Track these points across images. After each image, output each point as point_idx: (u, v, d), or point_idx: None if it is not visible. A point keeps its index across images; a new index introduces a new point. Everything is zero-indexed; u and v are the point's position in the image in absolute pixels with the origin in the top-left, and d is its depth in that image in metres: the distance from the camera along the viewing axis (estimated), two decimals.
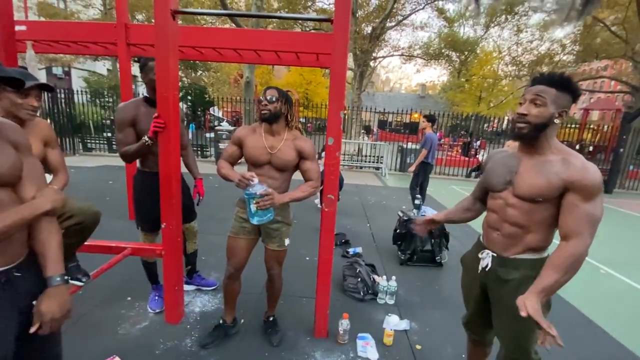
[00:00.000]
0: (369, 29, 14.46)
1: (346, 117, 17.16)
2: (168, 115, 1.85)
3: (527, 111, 1.14)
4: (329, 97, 1.75)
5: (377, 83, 46.97)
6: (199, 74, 21.54)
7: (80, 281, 1.63)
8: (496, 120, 12.33)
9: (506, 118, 16.55)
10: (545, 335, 1.01)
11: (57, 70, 21.77)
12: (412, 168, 5.06)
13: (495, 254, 1.28)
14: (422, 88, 34.10)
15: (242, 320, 2.22)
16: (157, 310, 2.26)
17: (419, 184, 5.11)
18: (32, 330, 0.91)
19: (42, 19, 13.67)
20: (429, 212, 3.48)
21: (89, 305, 2.29)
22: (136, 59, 2.16)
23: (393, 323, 2.26)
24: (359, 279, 2.64)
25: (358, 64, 14.41)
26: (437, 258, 3.26)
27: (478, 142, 13.28)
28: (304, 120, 22.63)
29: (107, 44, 3.96)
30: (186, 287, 2.60)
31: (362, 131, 13.78)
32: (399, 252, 3.41)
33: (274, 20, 13.07)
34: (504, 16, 18.05)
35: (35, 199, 0.96)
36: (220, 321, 2.06)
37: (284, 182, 1.82)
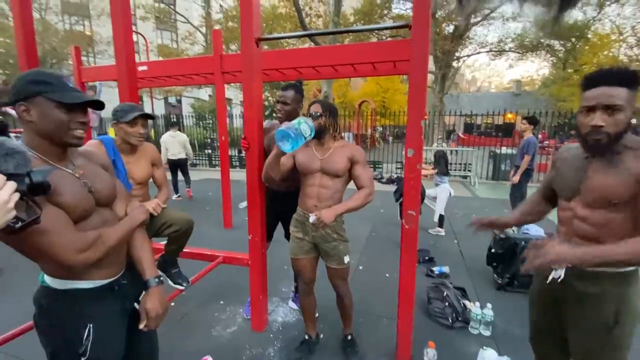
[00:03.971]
0: (450, 29, 13.55)
1: (426, 122, 16.37)
2: (253, 136, 2.00)
3: (603, 122, 0.98)
4: (409, 105, 1.65)
5: (461, 84, 43.55)
6: None
7: (182, 285, 1.85)
8: None
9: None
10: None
11: (172, 99, 26.25)
12: (517, 178, 4.38)
13: (569, 265, 1.13)
14: (517, 85, 30.20)
15: (322, 335, 2.21)
16: (248, 317, 2.40)
17: (524, 195, 4.43)
18: (141, 326, 1.05)
19: (161, 57, 16.64)
20: (533, 230, 2.98)
21: (190, 306, 2.58)
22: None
23: (490, 359, 1.96)
24: (447, 304, 2.38)
25: (439, 66, 13.61)
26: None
27: None
28: (381, 129, 22.26)
29: (207, 74, 4.58)
30: (292, 305, 2.59)
31: (439, 137, 12.79)
32: (495, 275, 2.99)
33: (350, 34, 13.31)
34: None
35: (129, 213, 1.10)
36: (306, 336, 2.08)
37: (336, 192, 1.76)
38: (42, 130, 0.91)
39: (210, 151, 12.10)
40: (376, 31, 12.93)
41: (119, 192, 1.13)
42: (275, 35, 1.94)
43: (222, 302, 2.65)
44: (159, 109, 20.29)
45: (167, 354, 2.03)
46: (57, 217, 0.88)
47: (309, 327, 2.07)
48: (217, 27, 16.20)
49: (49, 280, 0.98)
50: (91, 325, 0.97)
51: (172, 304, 2.62)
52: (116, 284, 1.05)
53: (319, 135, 1.74)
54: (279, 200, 2.20)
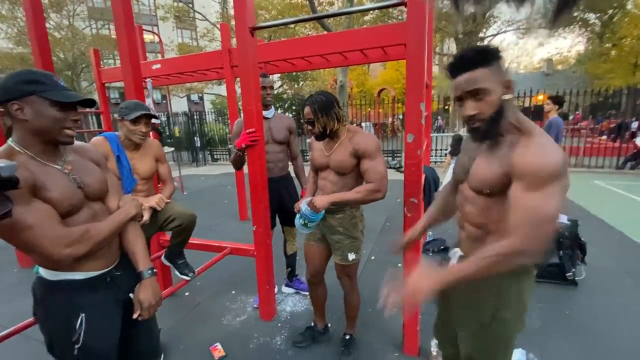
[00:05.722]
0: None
1: (450, 109, 15.73)
2: (253, 127, 1.99)
3: (475, 110, 0.92)
4: (407, 89, 1.57)
5: None
6: (300, 84, 23.19)
7: (187, 276, 1.90)
8: None
9: None
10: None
11: (194, 97, 26.96)
12: None
13: (462, 254, 1.13)
14: (548, 64, 28.36)
15: (330, 324, 2.21)
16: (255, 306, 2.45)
17: None
18: (135, 316, 1.08)
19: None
20: (561, 216, 2.80)
21: (204, 296, 2.67)
22: None
23: None
24: None
25: (461, 48, 13.00)
26: (568, 274, 2.58)
27: (636, 123, 10.13)
28: (402, 117, 21.73)
29: (218, 69, 4.62)
30: (285, 290, 2.70)
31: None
32: None
33: (365, 19, 12.99)
34: None
35: (121, 207, 1.12)
36: (312, 324, 2.09)
37: (343, 189, 1.65)
38: (35, 129, 0.93)
39: (230, 146, 12.38)
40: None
41: (111, 187, 1.16)
42: (270, 22, 1.91)
43: (234, 291, 2.71)
44: (183, 106, 20.88)
45: (179, 342, 2.12)
46: (43, 212, 0.91)
47: (317, 318, 2.07)
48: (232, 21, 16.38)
49: (42, 271, 1.02)
50: (83, 315, 1.01)
51: (187, 293, 2.72)
52: (109, 276, 1.09)
53: (323, 137, 1.66)
54: (274, 183, 2.28)
